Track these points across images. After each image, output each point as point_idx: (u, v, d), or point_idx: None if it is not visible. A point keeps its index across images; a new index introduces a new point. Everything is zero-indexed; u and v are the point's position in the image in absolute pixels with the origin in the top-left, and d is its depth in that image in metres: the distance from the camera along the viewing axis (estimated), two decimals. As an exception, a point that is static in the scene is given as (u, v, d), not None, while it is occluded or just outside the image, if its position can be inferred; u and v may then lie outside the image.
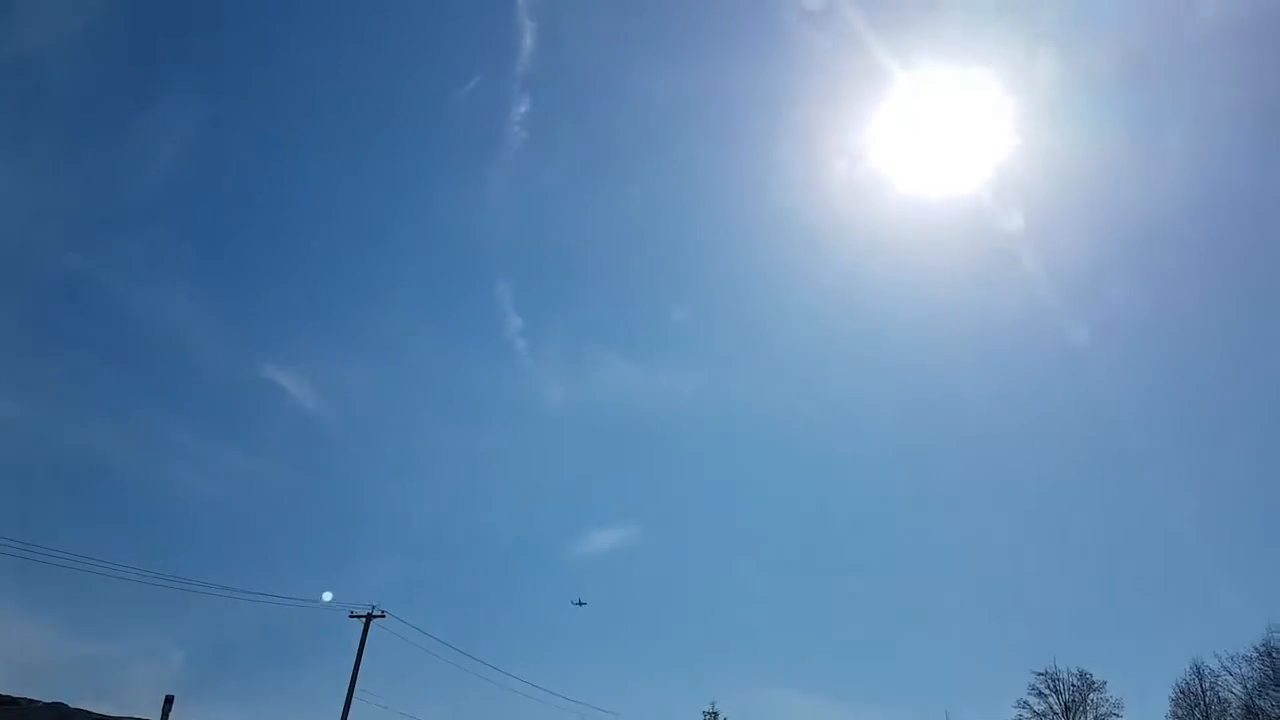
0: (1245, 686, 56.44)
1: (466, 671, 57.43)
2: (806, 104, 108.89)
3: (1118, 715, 59.32)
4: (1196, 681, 58.64)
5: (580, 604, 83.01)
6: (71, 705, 35.24)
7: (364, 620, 47.40)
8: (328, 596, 46.94)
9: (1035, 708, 60.26)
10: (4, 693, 33.04)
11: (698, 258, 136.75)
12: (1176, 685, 59.77)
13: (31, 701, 33.83)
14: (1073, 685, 59.92)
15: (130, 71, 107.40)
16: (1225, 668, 57.15)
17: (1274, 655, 55.15)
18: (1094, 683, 59.91)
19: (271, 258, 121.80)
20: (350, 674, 46.03)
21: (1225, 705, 57.49)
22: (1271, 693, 55.54)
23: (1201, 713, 58.33)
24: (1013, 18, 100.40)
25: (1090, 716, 59.29)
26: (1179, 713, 59.29)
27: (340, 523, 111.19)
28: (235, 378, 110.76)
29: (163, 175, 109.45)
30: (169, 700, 37.96)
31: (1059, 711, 59.59)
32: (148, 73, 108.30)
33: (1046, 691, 60.26)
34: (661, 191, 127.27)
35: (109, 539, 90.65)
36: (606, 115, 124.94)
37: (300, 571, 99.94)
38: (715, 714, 63.91)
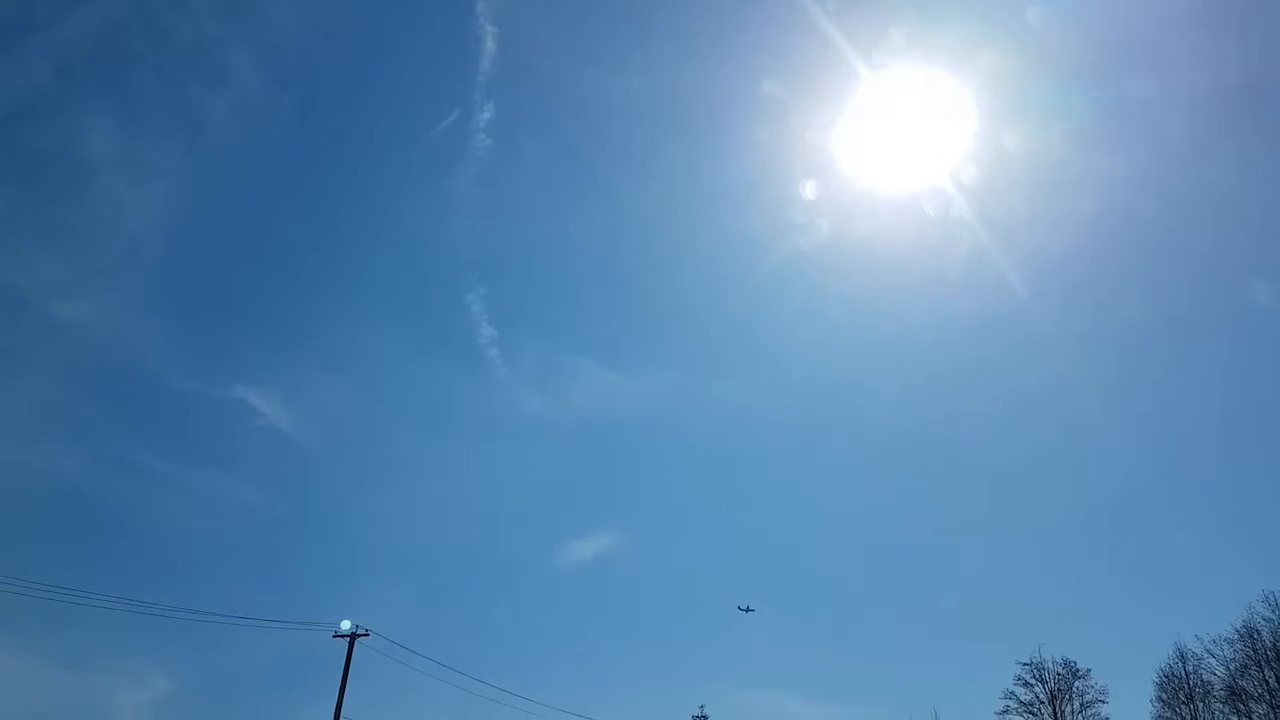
0: (1228, 668, 57.12)
1: (455, 687, 57.06)
2: (774, 104, 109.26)
3: (1104, 701, 59.94)
4: (1180, 665, 59.30)
5: (748, 610, 79.64)
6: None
7: (348, 640, 47.05)
8: (346, 625, 46.13)
9: (1022, 697, 60.78)
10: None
11: (670, 260, 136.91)
12: (1160, 670, 60.44)
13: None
14: (1058, 674, 60.46)
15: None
16: (1208, 650, 57.85)
17: (1254, 636, 55.82)
18: (1079, 670, 60.46)
19: (236, 279, 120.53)
20: (337, 695, 45.71)
21: (1209, 687, 58.12)
22: (1253, 673, 56.21)
23: (1185, 695, 58.92)
24: (974, 15, 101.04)
25: (1076, 704, 59.79)
26: (1164, 696, 59.91)
27: (320, 542, 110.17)
28: (207, 401, 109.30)
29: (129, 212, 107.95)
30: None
31: (1045, 700, 60.04)
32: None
33: (1032, 681, 60.78)
34: (631, 195, 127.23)
35: (91, 569, 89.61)
36: (572, 120, 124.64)
37: (283, 593, 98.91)
38: (704, 717, 64.04)
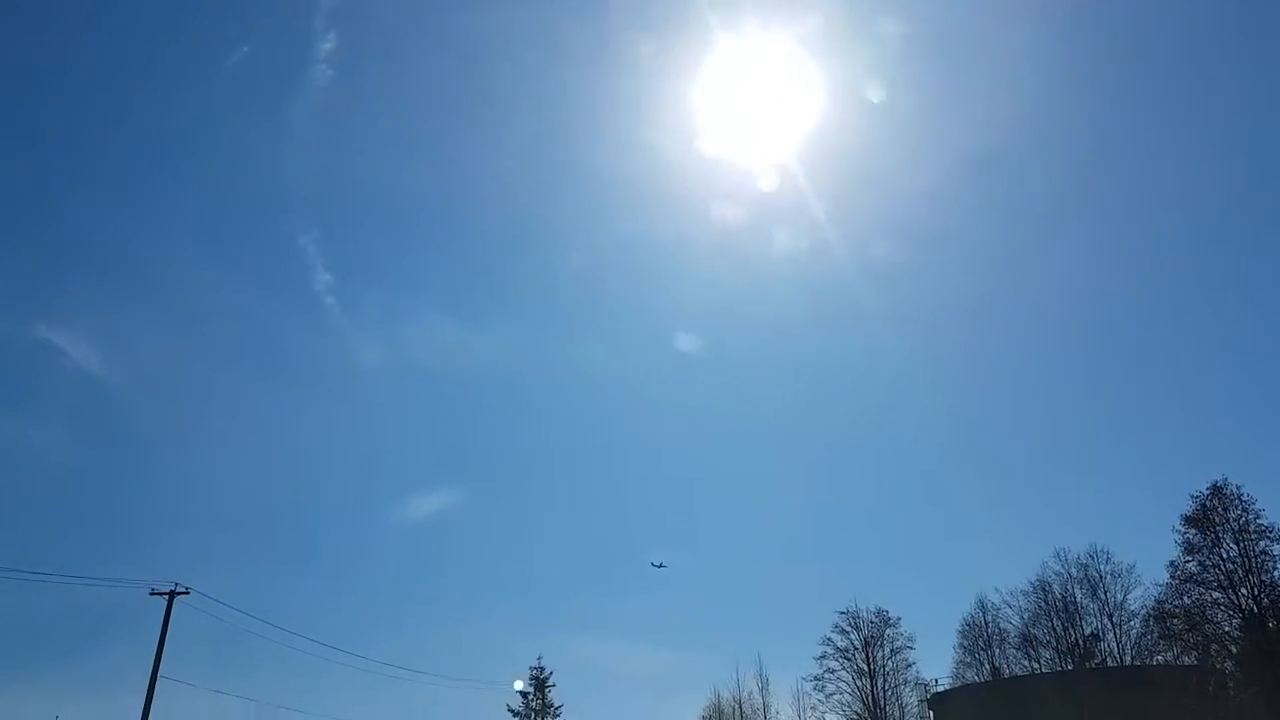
0: (1022, 618, 62.45)
1: (283, 645, 56.99)
2: (633, 58, 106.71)
3: (911, 647, 64.87)
4: (980, 615, 64.54)
5: (660, 566, 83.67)
6: None
7: (166, 598, 46.42)
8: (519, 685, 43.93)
9: (838, 644, 64.97)
10: None
11: (523, 211, 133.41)
12: (963, 619, 65.69)
13: None
14: (871, 623, 64.87)
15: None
16: (1005, 601, 63.04)
17: (1046, 589, 61.00)
18: (890, 619, 65.03)
19: (35, 208, 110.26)
20: (154, 655, 45.27)
21: (1005, 635, 63.58)
22: (1043, 622, 61.64)
23: (984, 642, 64.34)
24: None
25: (887, 650, 64.52)
26: (965, 643, 65.33)
27: (135, 493, 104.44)
28: (2, 340, 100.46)
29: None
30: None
31: (859, 646, 64.48)
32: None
33: (849, 629, 64.99)
34: (484, 140, 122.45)
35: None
36: (424, 56, 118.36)
37: (93, 547, 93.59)
38: (541, 668, 66.40)
